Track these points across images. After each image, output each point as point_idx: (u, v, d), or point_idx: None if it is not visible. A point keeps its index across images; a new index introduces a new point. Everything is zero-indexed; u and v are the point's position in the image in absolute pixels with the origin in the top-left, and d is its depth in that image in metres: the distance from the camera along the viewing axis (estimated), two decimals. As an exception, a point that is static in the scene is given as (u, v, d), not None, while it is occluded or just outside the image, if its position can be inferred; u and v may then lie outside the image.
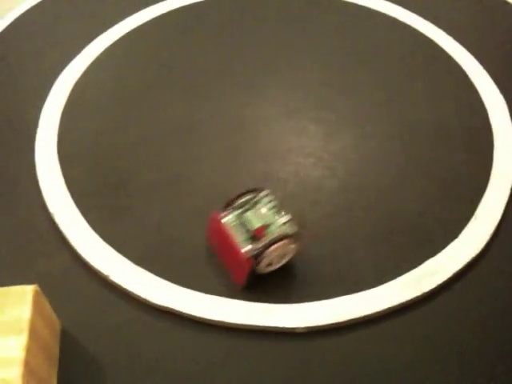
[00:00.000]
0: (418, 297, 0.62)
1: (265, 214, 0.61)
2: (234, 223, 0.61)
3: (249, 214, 0.61)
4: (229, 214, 0.61)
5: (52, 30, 0.97)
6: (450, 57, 0.90)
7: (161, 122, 0.81)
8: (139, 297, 0.62)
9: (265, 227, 0.60)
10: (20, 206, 0.72)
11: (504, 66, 0.88)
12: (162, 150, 0.78)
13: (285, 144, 0.78)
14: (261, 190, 0.63)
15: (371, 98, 0.84)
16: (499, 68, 0.88)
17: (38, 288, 0.54)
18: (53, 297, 0.58)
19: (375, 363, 0.57)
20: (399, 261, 0.65)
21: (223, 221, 0.61)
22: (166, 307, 0.61)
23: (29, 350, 0.49)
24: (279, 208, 0.62)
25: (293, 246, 0.61)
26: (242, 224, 0.61)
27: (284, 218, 0.61)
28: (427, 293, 0.62)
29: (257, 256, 0.59)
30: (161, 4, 1.00)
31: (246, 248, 0.59)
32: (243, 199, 0.62)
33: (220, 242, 0.63)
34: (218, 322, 0.60)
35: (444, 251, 0.65)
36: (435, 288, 0.62)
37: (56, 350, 0.58)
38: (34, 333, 0.51)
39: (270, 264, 0.61)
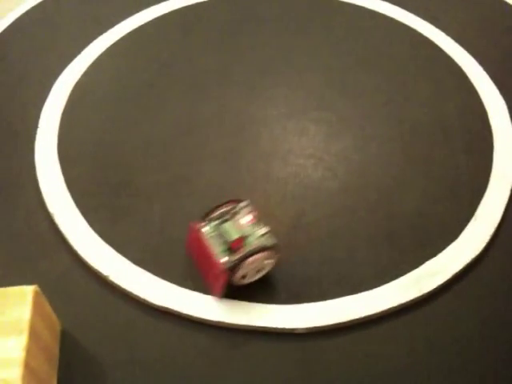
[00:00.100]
0: (418, 297, 0.62)
1: (243, 225, 0.60)
2: (212, 234, 0.60)
3: (227, 224, 0.60)
4: (206, 224, 0.61)
5: (52, 30, 0.97)
6: (450, 58, 0.90)
7: (161, 123, 0.81)
8: (139, 297, 0.62)
9: (243, 238, 0.59)
10: (20, 206, 0.72)
11: (504, 67, 0.88)
12: (163, 150, 0.78)
13: (285, 145, 0.78)
14: (240, 201, 0.62)
15: (371, 99, 0.84)
16: (499, 69, 0.88)
17: (37, 288, 0.54)
18: (53, 297, 0.58)
19: (375, 363, 0.57)
20: (399, 261, 0.65)
21: (201, 231, 0.60)
22: (166, 307, 0.61)
23: (29, 351, 0.49)
24: (258, 219, 0.61)
25: (270, 261, 0.61)
26: (220, 235, 0.60)
27: (263, 230, 0.60)
28: (427, 293, 0.62)
29: (233, 268, 0.58)
30: (162, 4, 1.00)
31: (223, 260, 0.58)
32: (222, 210, 0.62)
33: (197, 253, 0.63)
34: (218, 322, 0.60)
35: (444, 252, 0.66)
36: (435, 289, 0.62)
37: (56, 351, 0.58)
38: (34, 333, 0.51)
39: (244, 276, 0.60)
